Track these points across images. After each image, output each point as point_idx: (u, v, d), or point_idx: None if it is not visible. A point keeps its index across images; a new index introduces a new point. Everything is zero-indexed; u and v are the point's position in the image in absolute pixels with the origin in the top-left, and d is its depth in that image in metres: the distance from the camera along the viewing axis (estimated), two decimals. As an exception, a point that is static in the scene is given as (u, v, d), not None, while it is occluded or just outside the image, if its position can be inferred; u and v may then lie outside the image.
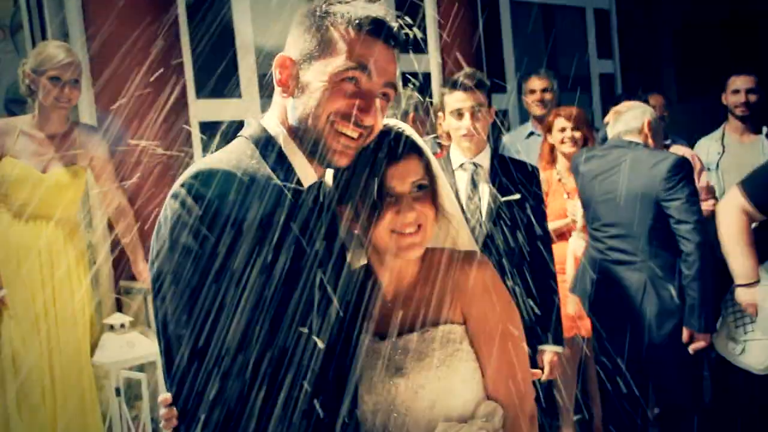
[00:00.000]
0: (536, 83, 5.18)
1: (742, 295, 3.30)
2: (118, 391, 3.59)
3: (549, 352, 3.30)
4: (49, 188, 3.58)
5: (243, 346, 1.43)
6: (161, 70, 4.00)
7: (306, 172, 1.60)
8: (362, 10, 1.57)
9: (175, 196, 1.47)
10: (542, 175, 4.22)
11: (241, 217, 1.43)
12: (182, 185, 1.47)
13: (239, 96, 4.65)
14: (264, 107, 4.68)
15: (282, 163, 1.57)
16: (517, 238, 3.19)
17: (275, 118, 1.63)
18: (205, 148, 4.38)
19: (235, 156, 1.53)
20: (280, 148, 1.59)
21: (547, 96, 5.15)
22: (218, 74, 4.62)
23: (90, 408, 3.63)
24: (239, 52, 4.63)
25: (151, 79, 3.96)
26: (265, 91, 4.72)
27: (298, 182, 1.58)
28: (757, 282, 3.26)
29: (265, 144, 1.59)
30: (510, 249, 3.12)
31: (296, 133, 1.59)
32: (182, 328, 1.43)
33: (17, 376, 3.46)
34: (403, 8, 5.54)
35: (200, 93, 4.39)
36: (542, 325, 3.28)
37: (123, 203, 3.81)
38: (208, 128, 4.41)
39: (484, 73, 5.56)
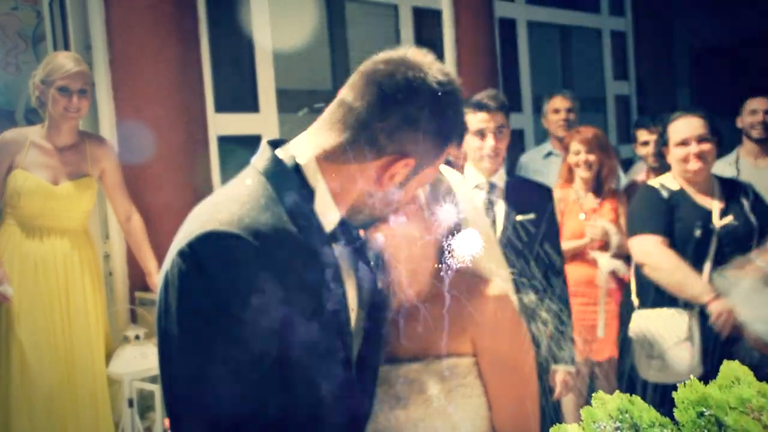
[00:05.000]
0: (561, 103, 5.17)
1: (718, 307, 3.35)
2: (131, 402, 3.59)
3: (561, 371, 3.31)
4: (61, 200, 3.58)
5: (255, 413, 1.39)
6: (181, 83, 4.04)
7: (330, 213, 1.51)
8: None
9: (183, 255, 1.38)
10: (559, 194, 4.25)
11: (257, 286, 1.36)
12: (190, 245, 1.38)
13: (257, 110, 4.67)
14: (282, 121, 4.74)
15: (303, 206, 1.47)
16: (531, 259, 3.20)
17: (310, 153, 1.51)
18: (223, 163, 4.40)
19: (249, 207, 1.42)
20: (306, 186, 1.49)
21: (571, 116, 5.14)
22: (237, 88, 4.65)
23: (102, 419, 3.63)
24: (258, 66, 4.66)
25: (171, 91, 3.99)
26: (284, 106, 4.76)
27: (318, 225, 1.49)
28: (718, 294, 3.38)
29: (284, 180, 1.48)
30: (524, 269, 3.14)
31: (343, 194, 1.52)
32: (190, 391, 1.39)
33: (29, 385, 3.47)
34: (421, 28, 5.58)
35: (219, 107, 4.42)
36: (555, 344, 3.29)
37: (134, 215, 3.80)
38: (226, 142, 4.44)
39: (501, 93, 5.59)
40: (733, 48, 7.47)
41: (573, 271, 3.97)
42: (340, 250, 1.56)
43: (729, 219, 3.49)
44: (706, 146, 3.52)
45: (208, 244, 1.36)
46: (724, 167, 4.96)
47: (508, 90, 6.08)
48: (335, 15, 5.20)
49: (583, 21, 7.21)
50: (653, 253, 3.49)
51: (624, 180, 5.10)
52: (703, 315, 3.38)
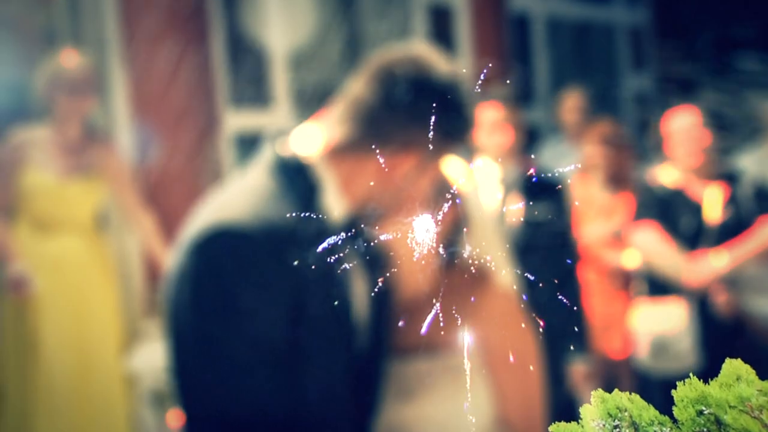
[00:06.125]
0: (575, 98, 5.16)
1: (721, 295, 3.39)
2: (147, 397, 3.61)
3: (575, 364, 3.31)
4: (69, 198, 3.59)
5: (266, 406, 1.42)
6: (196, 80, 4.05)
7: (337, 207, 1.51)
8: None
9: (192, 253, 1.40)
10: (574, 189, 4.22)
11: (266, 281, 1.39)
12: (200, 243, 1.39)
13: (273, 107, 4.68)
14: (296, 118, 4.73)
15: (310, 201, 1.47)
16: (544, 249, 3.19)
17: (318, 147, 1.51)
18: (237, 159, 4.41)
19: (257, 203, 1.43)
20: (313, 180, 1.49)
21: (586, 111, 5.13)
22: (251, 86, 4.66)
23: (117, 413, 3.65)
24: (272, 64, 4.66)
25: (186, 88, 4.00)
26: (298, 102, 4.76)
27: (325, 219, 1.49)
28: None
29: (292, 175, 1.49)
30: (536, 260, 3.13)
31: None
32: (201, 384, 1.42)
33: (45, 378, 3.48)
34: (437, 24, 5.56)
35: (233, 104, 4.43)
36: (567, 337, 3.29)
37: (141, 212, 3.78)
38: (241, 139, 4.44)
39: (517, 88, 5.58)
40: (757, 40, 7.36)
41: (589, 268, 3.95)
42: (347, 245, 1.57)
43: (722, 214, 3.48)
44: (702, 139, 3.51)
45: (218, 241, 1.39)
46: (753, 161, 4.89)
47: (523, 84, 6.05)
48: (350, 11, 5.19)
49: (600, 15, 7.16)
50: (653, 243, 3.52)
51: (642, 174, 5.05)
52: (703, 304, 3.42)
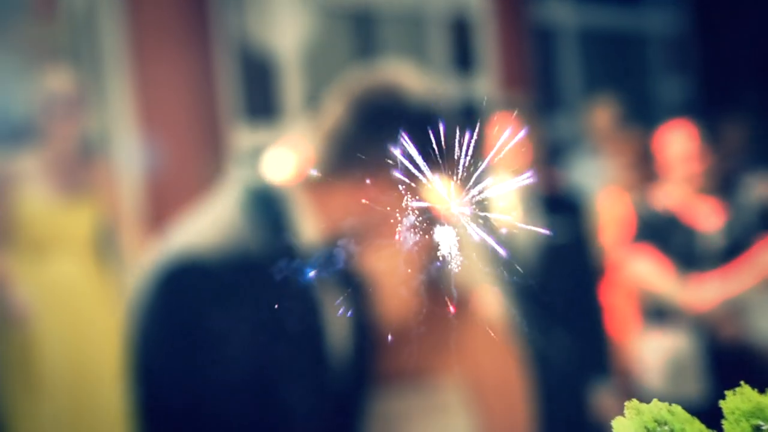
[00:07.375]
0: (606, 109, 5.06)
1: (722, 318, 3.35)
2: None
3: (600, 394, 3.21)
4: (65, 220, 3.56)
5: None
6: (200, 95, 4.04)
7: (310, 235, 1.47)
8: None
9: (161, 288, 1.38)
10: (602, 202, 4.13)
11: (238, 314, 1.37)
12: (167, 278, 1.38)
13: (282, 122, 4.64)
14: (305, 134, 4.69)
15: (282, 229, 1.45)
16: (565, 272, 3.11)
17: (291, 173, 1.50)
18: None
19: (223, 233, 1.41)
20: (286, 207, 1.46)
21: (617, 122, 5.04)
22: (260, 100, 4.64)
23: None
24: (282, 78, 4.63)
25: (189, 104, 3.99)
26: (309, 116, 4.74)
27: (298, 248, 1.47)
28: None
29: (264, 203, 1.46)
30: (553, 284, 3.06)
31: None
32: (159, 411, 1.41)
33: (48, 405, 3.45)
34: (460, 36, 5.51)
35: (240, 120, 4.40)
36: (590, 366, 3.20)
37: (131, 234, 3.76)
38: (249, 155, 4.42)
39: (541, 99, 5.52)
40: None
41: (615, 289, 3.84)
42: (321, 274, 1.50)
43: (723, 236, 3.41)
44: (699, 158, 3.45)
45: (185, 276, 1.37)
46: None
47: (551, 94, 5.98)
48: (365, 24, 5.15)
49: (634, 22, 7.08)
50: (650, 268, 3.46)
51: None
52: (705, 329, 3.35)
